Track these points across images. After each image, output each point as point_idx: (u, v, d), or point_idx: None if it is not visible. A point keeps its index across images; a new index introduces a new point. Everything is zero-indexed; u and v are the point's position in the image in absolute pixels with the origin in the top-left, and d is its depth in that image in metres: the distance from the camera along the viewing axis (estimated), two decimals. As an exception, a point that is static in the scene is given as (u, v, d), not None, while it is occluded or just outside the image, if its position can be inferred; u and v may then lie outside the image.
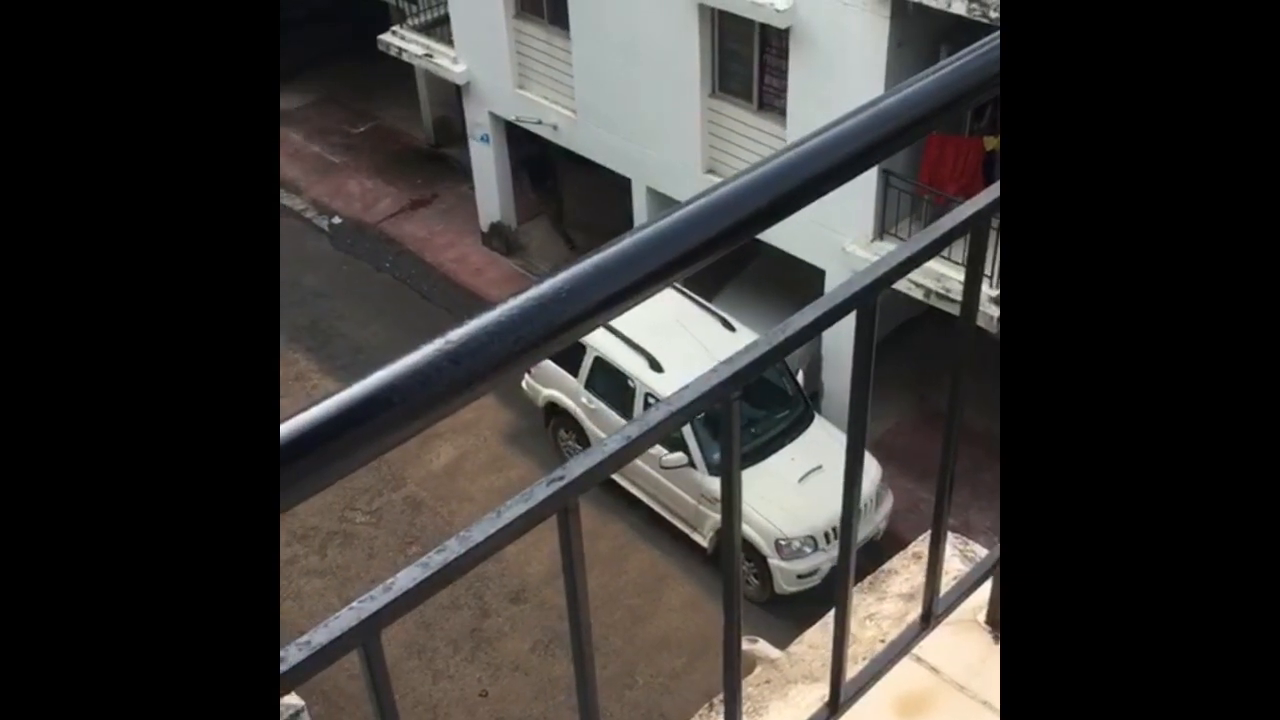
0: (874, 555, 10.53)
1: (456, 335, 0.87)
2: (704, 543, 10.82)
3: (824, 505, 10.05)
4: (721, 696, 1.55)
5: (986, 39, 1.28)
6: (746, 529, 10.35)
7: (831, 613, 1.64)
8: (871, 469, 10.68)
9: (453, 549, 0.97)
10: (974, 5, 9.22)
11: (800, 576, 10.20)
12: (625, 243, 0.98)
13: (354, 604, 0.94)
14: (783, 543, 10.16)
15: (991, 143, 10.62)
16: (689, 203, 1.05)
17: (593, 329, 0.98)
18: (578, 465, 1.04)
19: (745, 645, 2.40)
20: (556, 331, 0.92)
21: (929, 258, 1.30)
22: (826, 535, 10.18)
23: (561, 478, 1.03)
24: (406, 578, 0.96)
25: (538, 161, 15.14)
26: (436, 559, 0.97)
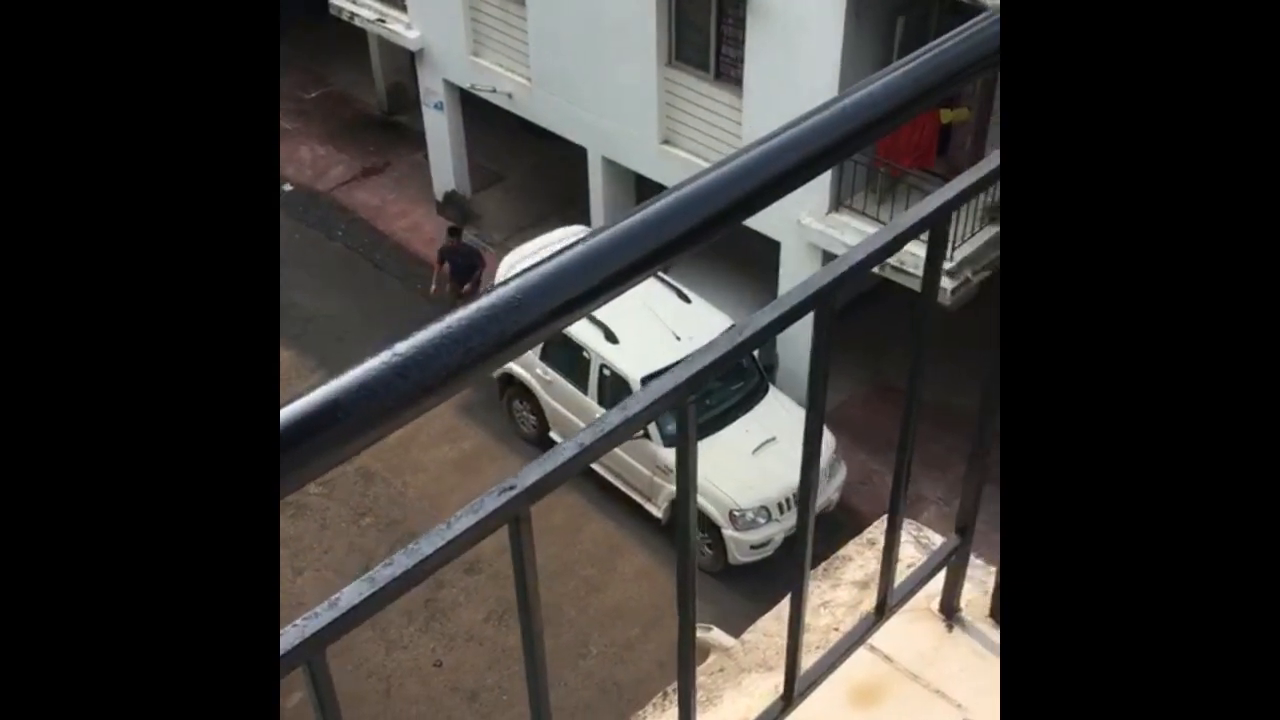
0: (828, 527, 10.59)
1: (403, 347, 0.84)
2: (658, 513, 10.85)
3: (777, 476, 10.11)
4: (675, 686, 1.54)
5: (964, 26, 1.26)
6: (700, 500, 10.38)
7: (786, 600, 1.63)
8: (826, 441, 10.75)
9: (400, 563, 0.95)
10: (931, -22, 9.20)
11: (754, 547, 10.27)
12: (578, 250, 0.95)
13: (298, 621, 0.91)
14: (736, 514, 10.21)
15: (947, 115, 10.64)
16: (643, 207, 1.02)
17: (548, 336, 0.96)
18: (530, 474, 1.01)
19: (700, 634, 2.40)
20: (508, 342, 0.89)
21: (889, 255, 1.28)
22: (780, 506, 10.25)
23: (512, 487, 1.00)
24: (353, 593, 0.93)
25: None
26: (383, 574, 0.94)
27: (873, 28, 10.25)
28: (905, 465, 1.61)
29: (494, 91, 13.70)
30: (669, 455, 10.51)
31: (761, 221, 11.46)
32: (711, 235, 1.03)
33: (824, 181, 10.87)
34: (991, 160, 1.42)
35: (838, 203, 11.13)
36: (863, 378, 12.11)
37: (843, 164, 10.65)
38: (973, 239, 10.22)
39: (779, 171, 1.06)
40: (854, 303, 11.99)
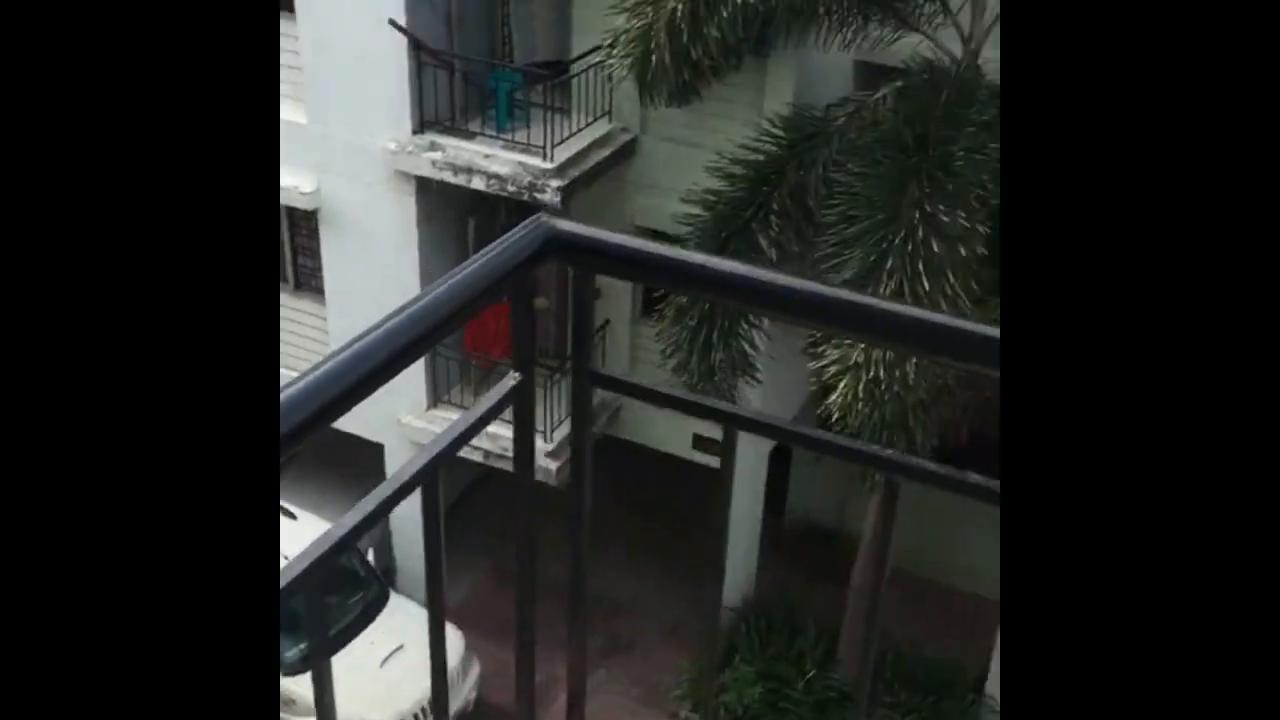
0: (467, 729, 10.33)
1: None
2: (287, 749, 10.13)
3: (410, 685, 9.79)
4: None
5: (519, 227, 1.38)
6: (332, 726, 9.81)
7: None
8: (455, 640, 10.56)
9: None
10: (492, 181, 9.71)
11: (394, 764, 9.81)
12: None
13: None
14: (372, 732, 9.73)
15: (537, 304, 11.11)
16: None
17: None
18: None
19: None
20: None
21: (399, 502, 1.31)
22: (416, 716, 9.89)
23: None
24: None
25: None
26: None
27: (445, 228, 10.63)
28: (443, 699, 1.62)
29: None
30: (290, 684, 9.89)
31: (361, 426, 11.33)
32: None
33: (419, 379, 10.97)
34: (477, 407, 1.47)
35: (436, 399, 11.24)
36: (483, 566, 12.08)
37: (435, 360, 10.83)
38: (566, 422, 10.62)
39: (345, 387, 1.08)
40: (465, 491, 12.03)
